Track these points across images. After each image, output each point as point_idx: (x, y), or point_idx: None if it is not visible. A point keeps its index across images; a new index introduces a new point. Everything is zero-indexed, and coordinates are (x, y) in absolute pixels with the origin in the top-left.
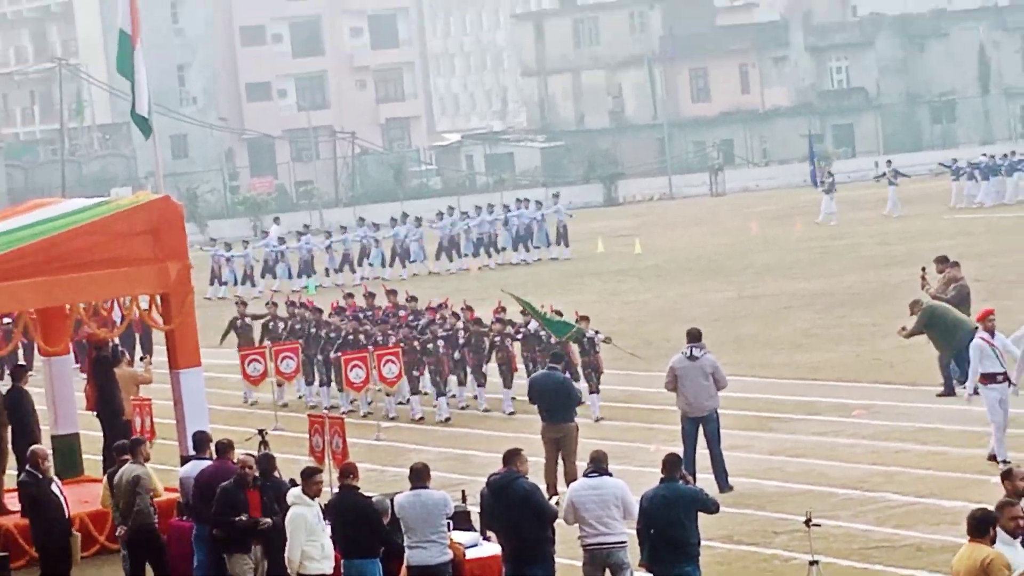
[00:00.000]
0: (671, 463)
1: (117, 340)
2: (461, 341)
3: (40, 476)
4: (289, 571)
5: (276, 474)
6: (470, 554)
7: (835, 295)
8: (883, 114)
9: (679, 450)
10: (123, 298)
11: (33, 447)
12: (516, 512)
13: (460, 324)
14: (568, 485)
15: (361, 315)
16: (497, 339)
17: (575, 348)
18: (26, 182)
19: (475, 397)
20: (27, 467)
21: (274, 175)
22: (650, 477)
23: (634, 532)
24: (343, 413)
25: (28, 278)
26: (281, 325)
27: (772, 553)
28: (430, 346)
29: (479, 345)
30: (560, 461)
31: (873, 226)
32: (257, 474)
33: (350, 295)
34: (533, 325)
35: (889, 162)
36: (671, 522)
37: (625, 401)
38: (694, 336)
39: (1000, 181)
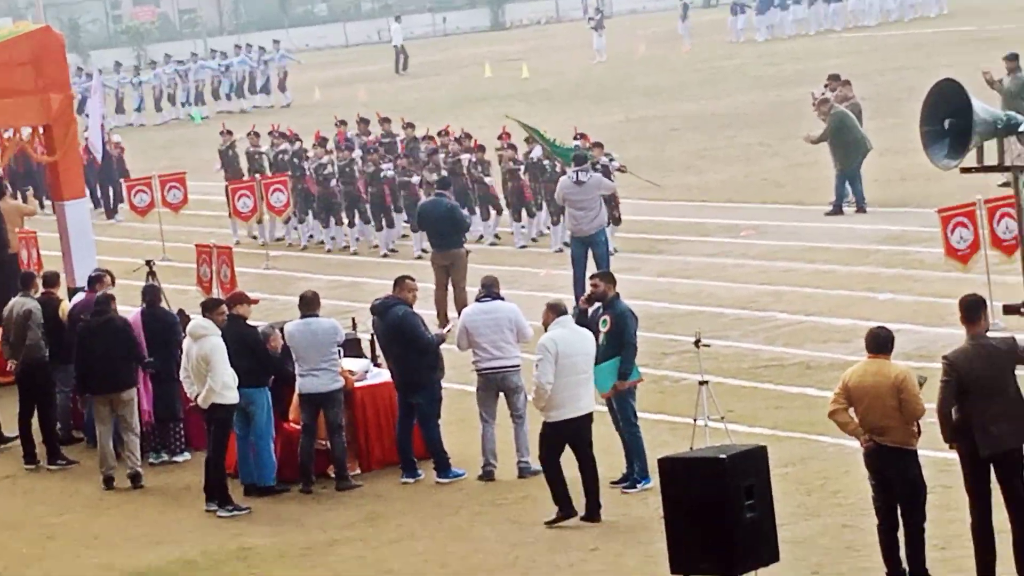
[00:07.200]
0: None
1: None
2: (466, 170)
3: None
4: (205, 401)
5: (163, 305)
6: (361, 382)
7: (723, 116)
8: None
9: (568, 274)
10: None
11: None
12: (394, 338)
13: (464, 152)
14: (459, 311)
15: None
16: (507, 167)
17: None
18: None
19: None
20: None
21: (156, 3)
22: (540, 301)
23: (526, 355)
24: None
25: None
26: (266, 158)
27: (662, 374)
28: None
29: (484, 175)
30: (450, 287)
31: (761, 47)
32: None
33: (343, 122)
34: (536, 153)
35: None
36: None
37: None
38: (581, 160)
39: (774, 14)
